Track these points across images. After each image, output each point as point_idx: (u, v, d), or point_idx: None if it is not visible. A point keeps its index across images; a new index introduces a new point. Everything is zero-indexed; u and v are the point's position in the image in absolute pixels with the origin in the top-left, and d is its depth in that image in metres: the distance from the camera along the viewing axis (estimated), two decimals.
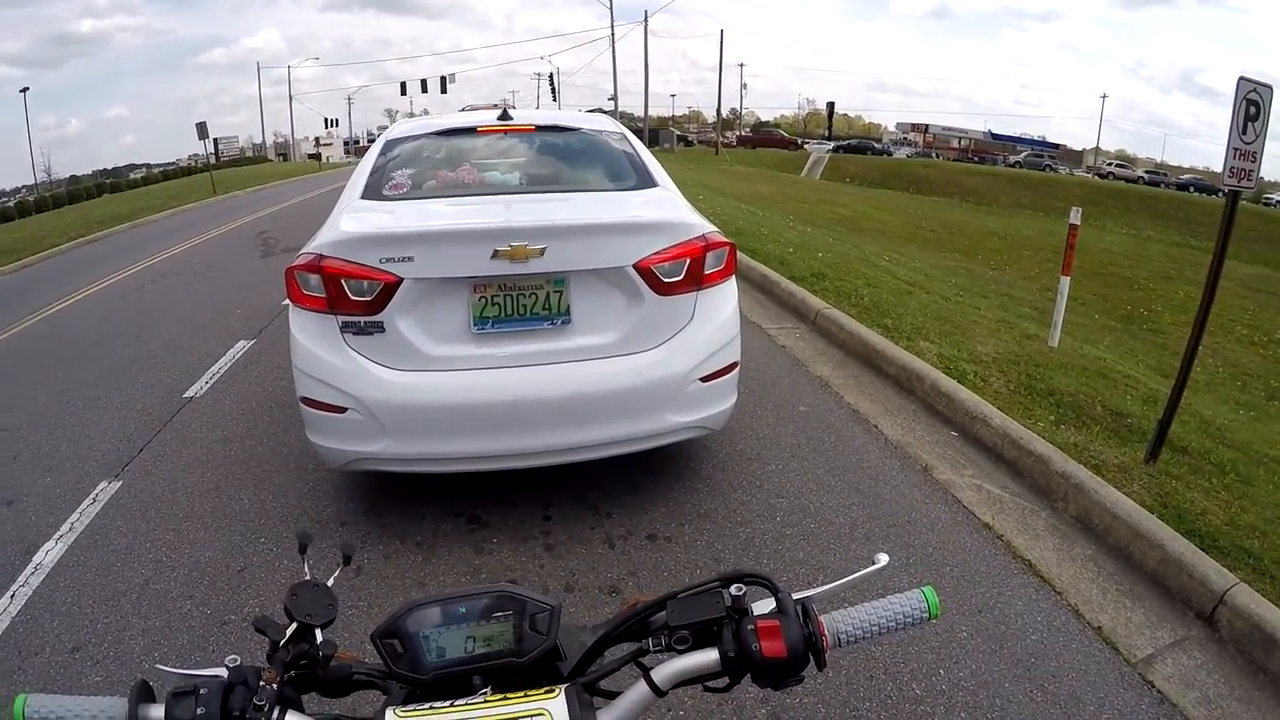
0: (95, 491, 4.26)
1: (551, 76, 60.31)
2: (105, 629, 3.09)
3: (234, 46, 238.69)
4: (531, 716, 0.84)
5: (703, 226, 3.53)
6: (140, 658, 2.89)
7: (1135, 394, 5.39)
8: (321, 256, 3.22)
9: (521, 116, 4.48)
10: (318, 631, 0.98)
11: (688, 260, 3.40)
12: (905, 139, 77.72)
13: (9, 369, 7.24)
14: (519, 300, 3.30)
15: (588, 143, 4.42)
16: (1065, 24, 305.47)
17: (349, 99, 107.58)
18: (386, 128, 5.20)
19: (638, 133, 11.03)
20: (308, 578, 1.03)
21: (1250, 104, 3.72)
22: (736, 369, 3.71)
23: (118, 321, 8.69)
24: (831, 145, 60.48)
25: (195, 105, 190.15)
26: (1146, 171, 61.01)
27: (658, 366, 3.42)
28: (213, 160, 38.02)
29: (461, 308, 3.28)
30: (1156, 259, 21.31)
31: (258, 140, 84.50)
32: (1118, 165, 62.16)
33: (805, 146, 62.19)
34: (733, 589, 0.93)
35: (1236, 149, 3.77)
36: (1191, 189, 49.04)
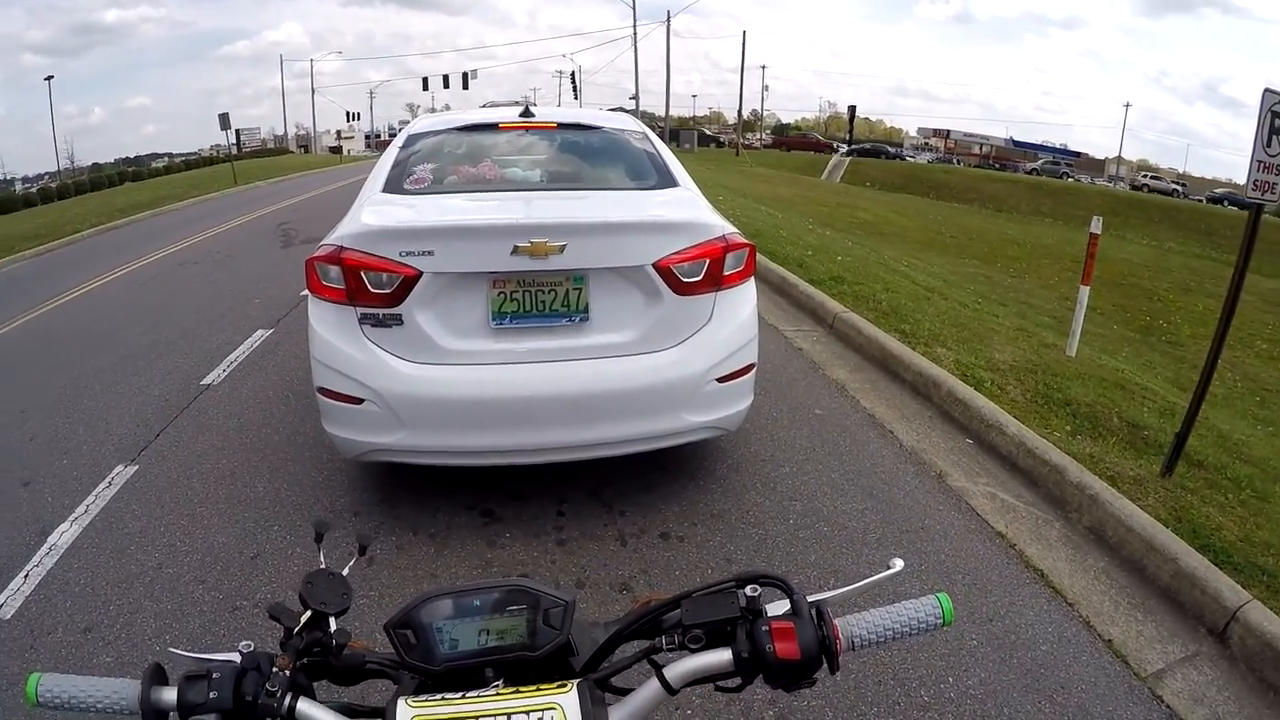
0: (111, 475, 4.30)
1: (573, 74, 60.43)
2: (117, 611, 3.12)
3: (257, 39, 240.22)
4: (543, 710, 0.85)
5: (723, 227, 3.53)
6: (151, 640, 2.92)
7: (1152, 406, 5.35)
8: (342, 248, 3.24)
9: (543, 114, 4.48)
10: (331, 620, 0.98)
11: (707, 261, 3.40)
12: (926, 144, 77.35)
13: (28, 353, 7.32)
14: (538, 296, 3.30)
15: (609, 141, 4.42)
16: (1088, 31, 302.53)
17: (370, 93, 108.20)
18: (408, 122, 5.23)
19: (659, 132, 11.02)
20: (323, 566, 1.03)
21: (1276, 116, 3.67)
22: (753, 370, 3.71)
23: (137, 308, 8.76)
24: (846, 149, 60.20)
25: (218, 96, 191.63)
26: (1176, 182, 60.31)
27: (675, 366, 3.42)
28: (234, 151, 38.35)
29: (480, 302, 3.29)
30: (1177, 270, 21.12)
31: (279, 132, 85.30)
32: (1152, 177, 61.05)
33: (838, 150, 61.59)
34: (748, 590, 0.93)
35: (1261, 162, 3.73)
36: (1225, 203, 48.30)
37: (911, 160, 60.94)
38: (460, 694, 0.88)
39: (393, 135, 8.42)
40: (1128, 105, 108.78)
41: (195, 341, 6.94)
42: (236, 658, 0.90)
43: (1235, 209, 42.89)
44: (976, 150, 71.09)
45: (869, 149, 61.28)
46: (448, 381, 3.28)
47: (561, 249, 3.18)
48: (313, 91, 73.41)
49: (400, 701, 0.87)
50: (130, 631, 2.99)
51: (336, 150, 68.10)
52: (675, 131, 62.03)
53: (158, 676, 0.90)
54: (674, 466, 4.07)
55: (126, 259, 12.38)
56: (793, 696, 2.54)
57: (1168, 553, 3.25)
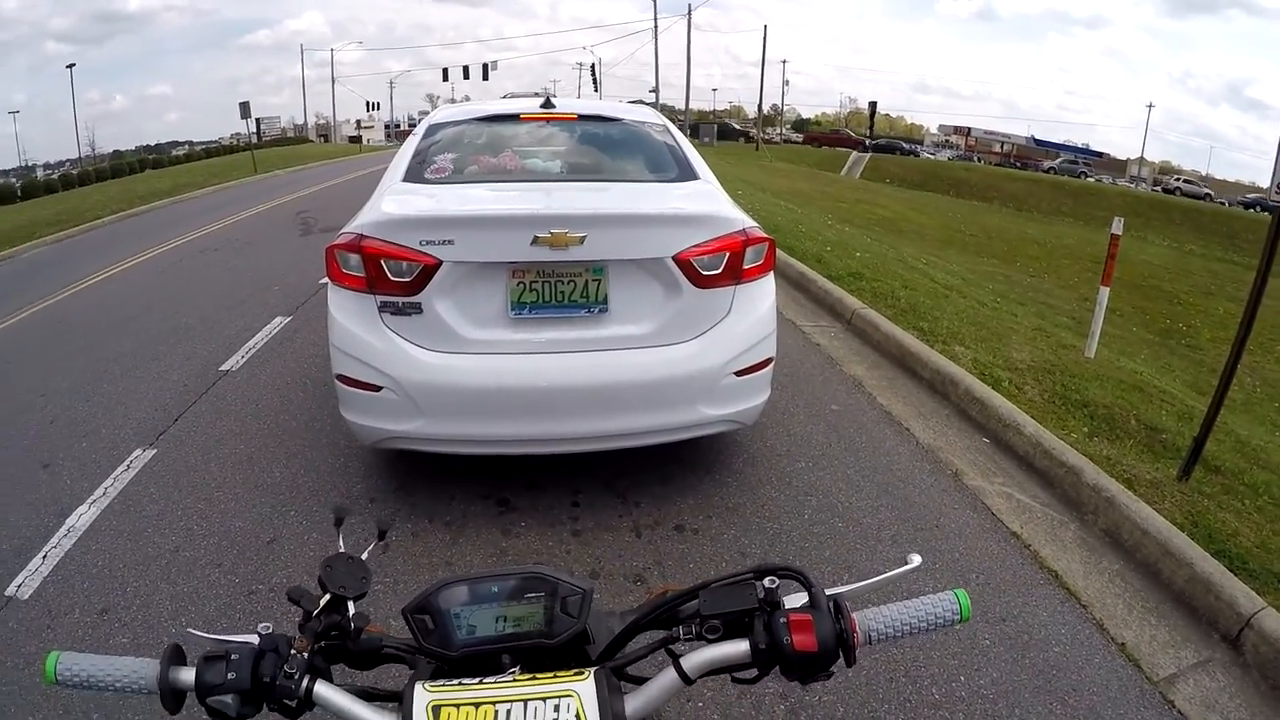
0: (130, 458, 4.34)
1: (594, 67, 60.26)
2: (134, 593, 3.15)
3: (278, 28, 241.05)
4: (561, 697, 0.85)
5: (743, 221, 3.52)
6: (168, 622, 2.95)
7: (1171, 410, 5.30)
8: (362, 236, 3.25)
9: (564, 105, 4.48)
10: (350, 604, 0.99)
11: (727, 254, 3.40)
12: (947, 141, 76.99)
13: (49, 337, 7.39)
14: (557, 287, 3.31)
15: (629, 133, 4.41)
16: (1111, 31, 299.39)
17: (391, 83, 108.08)
18: (428, 113, 5.23)
19: (679, 125, 11.00)
20: (342, 550, 1.04)
21: None
22: (771, 365, 3.70)
23: (157, 294, 8.83)
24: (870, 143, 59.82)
25: (238, 85, 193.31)
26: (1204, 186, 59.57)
27: (693, 359, 3.42)
28: (254, 139, 38.50)
29: (500, 292, 3.29)
30: (1198, 273, 20.93)
31: (299, 121, 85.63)
32: (1185, 181, 60.25)
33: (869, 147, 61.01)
34: (766, 581, 0.92)
35: None
36: (1258, 208, 47.57)
37: (930, 157, 60.56)
38: (477, 679, 0.88)
39: (412, 126, 8.44)
40: (1150, 106, 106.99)
41: (214, 327, 6.99)
42: (255, 639, 0.91)
43: (1266, 214, 42.04)
44: (997, 148, 70.70)
45: (883, 145, 60.79)
46: (466, 370, 3.29)
47: (581, 240, 3.19)
48: (333, 81, 73.56)
49: (417, 686, 0.87)
50: (147, 614, 3.02)
51: (356, 140, 68.38)
52: (695, 125, 61.81)
53: (176, 657, 0.91)
54: (690, 459, 4.08)
55: (147, 245, 12.48)
56: (804, 691, 2.54)
57: (1183, 557, 3.23)
